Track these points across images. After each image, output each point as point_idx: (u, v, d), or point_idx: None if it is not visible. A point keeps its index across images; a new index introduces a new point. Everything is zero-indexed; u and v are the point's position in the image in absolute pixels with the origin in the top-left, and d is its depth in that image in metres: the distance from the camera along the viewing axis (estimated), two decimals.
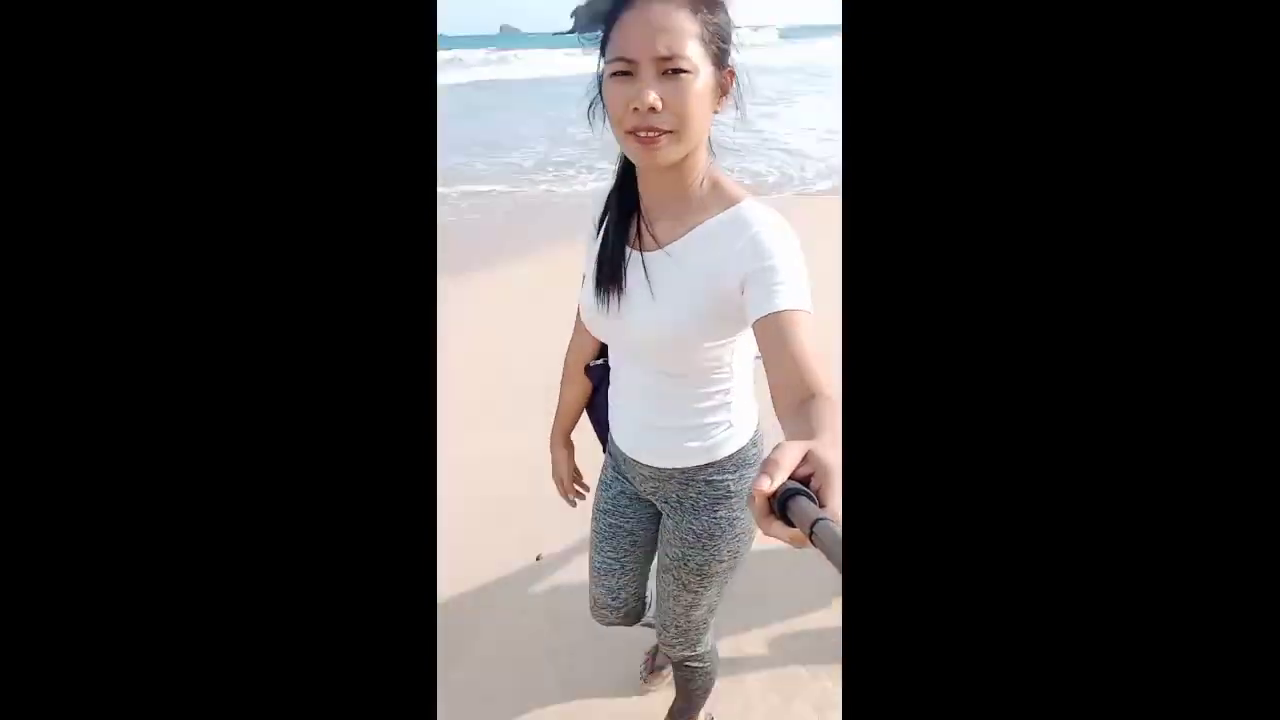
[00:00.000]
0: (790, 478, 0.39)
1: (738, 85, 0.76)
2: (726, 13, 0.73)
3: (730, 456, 0.94)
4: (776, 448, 0.41)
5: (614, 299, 0.84)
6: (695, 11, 0.69)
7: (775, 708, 1.38)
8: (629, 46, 0.68)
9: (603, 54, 0.73)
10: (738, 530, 0.97)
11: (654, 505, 1.05)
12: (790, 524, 0.37)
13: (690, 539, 0.97)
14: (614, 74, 0.70)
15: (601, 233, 0.88)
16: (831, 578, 1.63)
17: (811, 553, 0.37)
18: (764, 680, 1.44)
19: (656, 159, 0.72)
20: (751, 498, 0.39)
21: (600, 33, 0.73)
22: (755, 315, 0.69)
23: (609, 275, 0.84)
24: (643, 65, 0.68)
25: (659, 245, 0.81)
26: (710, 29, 0.71)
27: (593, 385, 1.11)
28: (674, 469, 0.95)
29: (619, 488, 1.07)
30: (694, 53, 0.69)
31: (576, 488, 1.16)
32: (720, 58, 0.72)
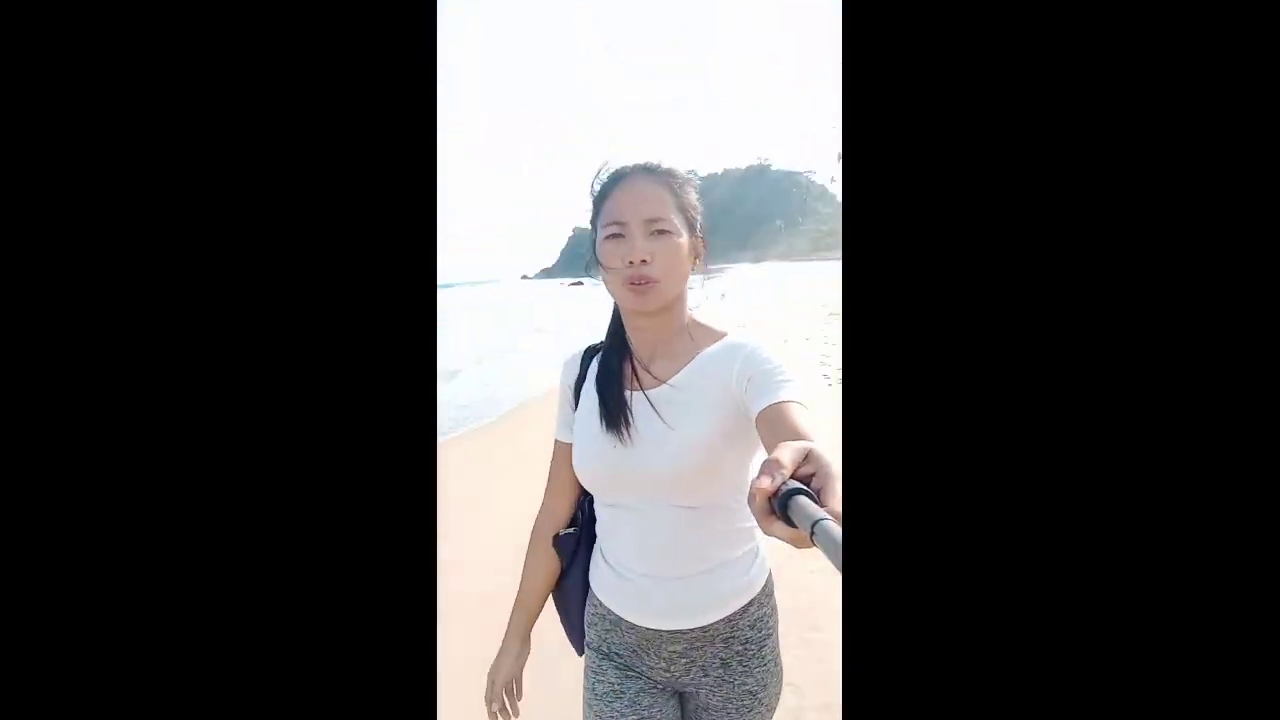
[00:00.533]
0: (791, 477, 0.39)
1: (706, 249, 0.91)
2: (695, 191, 0.89)
3: (765, 584, 0.90)
4: (778, 448, 0.41)
5: (625, 436, 0.85)
6: (671, 189, 0.85)
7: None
8: (622, 212, 0.83)
9: (595, 225, 0.87)
10: (778, 656, 0.91)
11: (676, 692, 0.92)
12: (791, 524, 0.37)
13: (746, 701, 0.89)
14: (608, 236, 0.83)
15: (595, 380, 0.92)
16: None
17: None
18: None
19: (648, 303, 0.83)
20: (752, 496, 0.39)
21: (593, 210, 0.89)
22: (758, 407, 0.75)
23: (616, 411, 0.87)
24: (633, 226, 0.82)
25: (659, 382, 0.87)
26: (683, 201, 0.86)
27: (562, 565, 0.98)
28: (716, 623, 0.86)
29: (635, 689, 0.90)
30: (674, 217, 0.84)
31: (508, 706, 0.98)
32: (692, 225, 0.87)
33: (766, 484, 0.39)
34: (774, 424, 0.72)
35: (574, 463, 0.92)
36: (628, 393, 0.88)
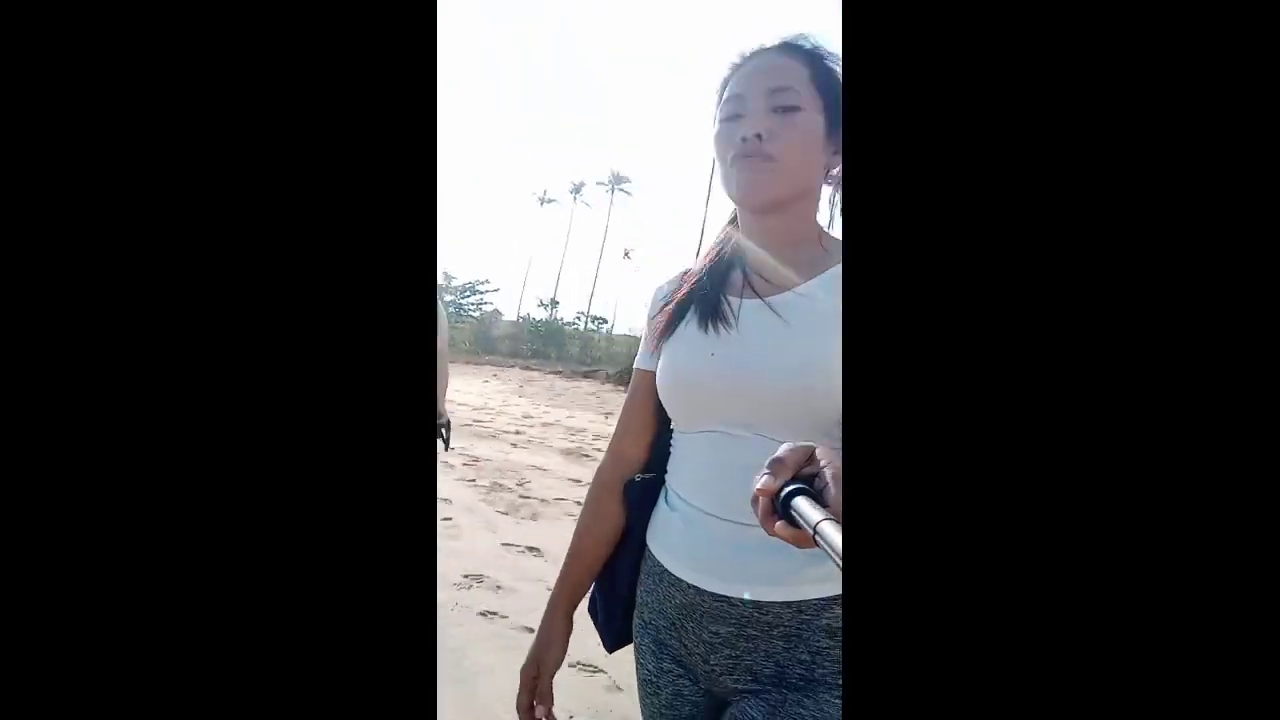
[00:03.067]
0: (794, 478, 0.39)
1: None
2: (838, 63, 0.71)
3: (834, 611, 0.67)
4: (781, 447, 0.41)
5: (729, 340, 0.68)
6: (809, 61, 0.70)
7: None
8: (739, 85, 0.69)
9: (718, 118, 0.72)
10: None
11: (719, 701, 0.70)
12: (794, 524, 0.37)
13: None
14: (725, 119, 0.70)
15: (694, 288, 0.75)
16: None
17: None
18: None
19: (763, 187, 0.68)
20: (755, 497, 0.39)
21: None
22: None
23: (716, 310, 0.71)
24: (752, 101, 0.68)
25: (779, 289, 0.70)
26: (824, 77, 0.69)
27: (625, 524, 0.77)
28: (782, 607, 0.64)
29: (671, 686, 0.71)
30: (804, 90, 0.68)
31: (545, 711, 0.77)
32: (832, 110, 0.69)
33: (769, 483, 0.39)
34: None
35: (658, 380, 0.73)
36: (734, 299, 0.72)
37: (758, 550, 0.62)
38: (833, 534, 0.34)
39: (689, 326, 0.72)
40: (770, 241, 0.72)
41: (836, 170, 0.72)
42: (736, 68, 0.71)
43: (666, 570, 0.71)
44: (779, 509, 0.38)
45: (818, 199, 0.73)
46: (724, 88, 0.72)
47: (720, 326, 0.70)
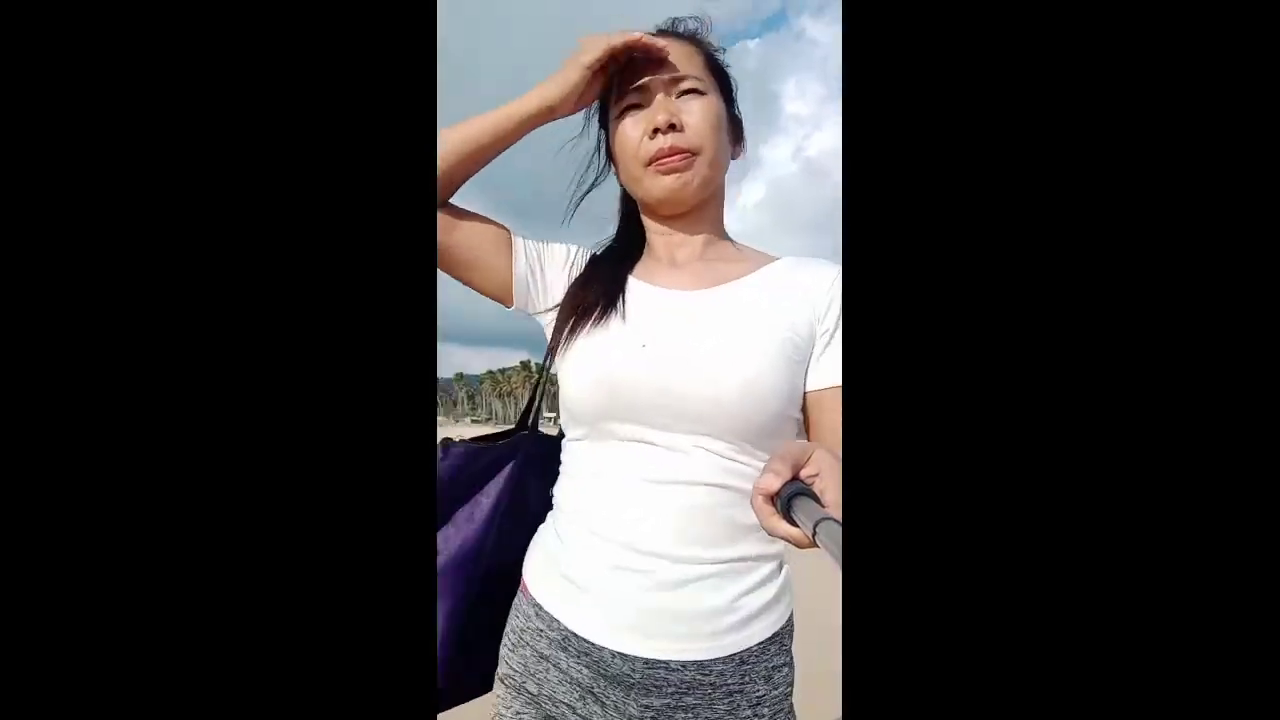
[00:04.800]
0: (794, 478, 0.39)
1: (744, 136, 0.70)
2: (723, 53, 0.69)
3: (790, 617, 0.62)
4: (784, 446, 0.41)
5: (663, 333, 0.61)
6: (698, 46, 0.68)
7: None
8: (638, 76, 0.64)
9: (605, 113, 0.69)
10: None
11: None
12: (794, 524, 0.37)
13: None
14: (624, 111, 0.65)
15: (611, 264, 0.69)
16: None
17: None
18: None
19: (687, 185, 0.63)
20: (755, 495, 0.39)
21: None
22: (826, 383, 0.59)
23: (644, 304, 0.63)
24: (654, 90, 0.64)
25: (704, 285, 0.65)
26: (714, 61, 0.68)
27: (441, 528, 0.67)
28: (734, 655, 0.56)
29: None
30: (705, 77, 0.65)
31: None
32: (727, 94, 0.68)
33: (771, 483, 0.39)
34: (828, 416, 0.58)
35: (568, 375, 0.63)
36: (661, 289, 0.66)
37: (700, 595, 0.55)
38: (833, 533, 0.34)
39: (609, 315, 0.63)
40: (684, 240, 0.68)
41: (736, 159, 0.70)
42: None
43: (571, 634, 0.57)
44: (779, 508, 0.38)
45: (724, 195, 0.70)
46: (614, 83, 0.66)
47: (650, 314, 0.62)
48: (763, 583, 0.59)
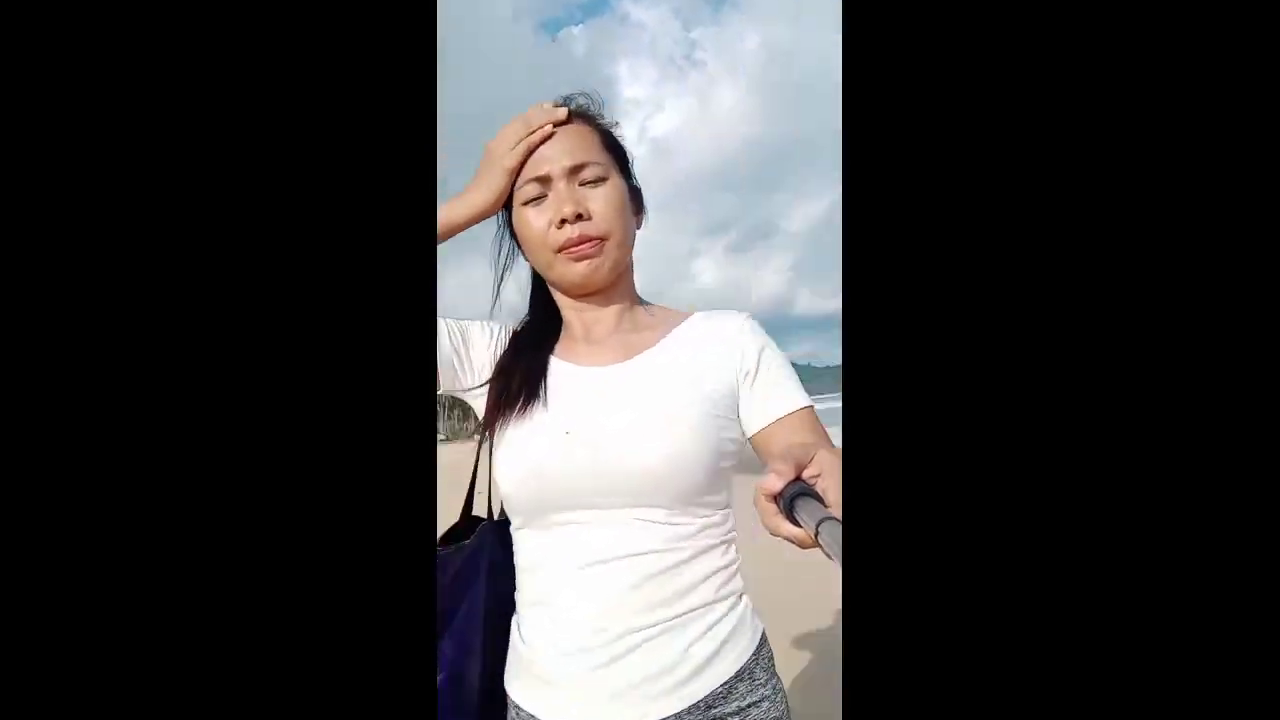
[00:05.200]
0: (796, 478, 0.39)
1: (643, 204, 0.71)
2: (618, 127, 0.70)
3: (760, 650, 0.64)
4: (785, 448, 0.41)
5: (583, 415, 0.63)
6: (591, 125, 0.68)
7: None
8: (537, 166, 0.64)
9: (506, 207, 0.68)
10: None
11: None
12: (797, 524, 0.37)
13: None
14: (526, 202, 0.65)
15: (521, 355, 0.69)
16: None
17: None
18: None
19: (598, 271, 0.65)
20: (758, 495, 0.39)
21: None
22: (772, 414, 0.61)
23: (534, 398, 0.64)
24: (556, 179, 0.64)
25: (620, 359, 0.67)
26: (609, 139, 0.69)
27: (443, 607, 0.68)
28: (699, 701, 0.59)
29: None
30: (604, 159, 0.66)
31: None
32: (625, 168, 0.69)
33: (773, 483, 0.39)
34: (794, 435, 0.59)
35: (500, 469, 0.65)
36: (580, 368, 0.67)
37: (652, 655, 0.58)
38: (835, 533, 0.34)
39: (532, 403, 0.65)
40: (597, 317, 0.69)
41: (638, 230, 0.71)
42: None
43: None
44: (782, 508, 0.38)
45: (632, 264, 0.71)
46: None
47: (569, 397, 0.64)
48: (711, 627, 0.61)
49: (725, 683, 0.60)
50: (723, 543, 0.64)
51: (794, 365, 0.67)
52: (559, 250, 0.64)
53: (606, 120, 0.70)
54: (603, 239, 0.64)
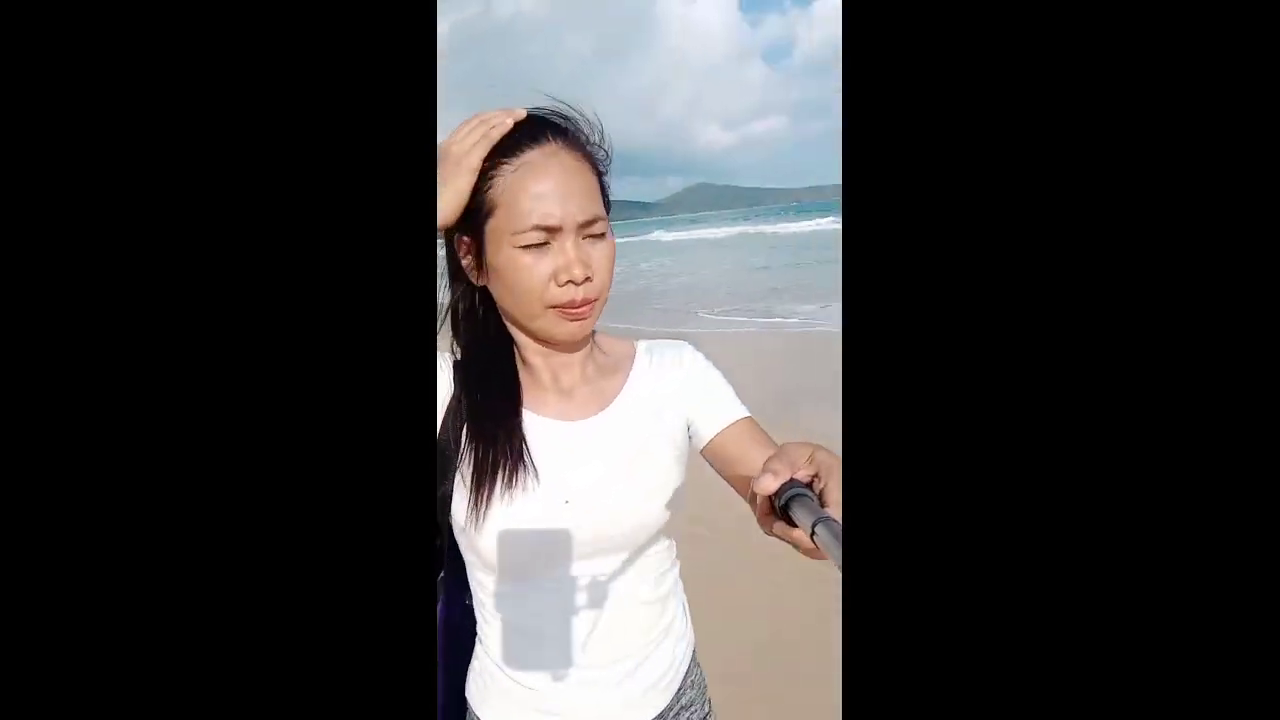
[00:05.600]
0: (792, 479, 0.39)
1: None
2: (607, 152, 0.65)
3: (693, 656, 0.75)
4: (782, 447, 0.41)
5: (573, 481, 0.63)
6: (594, 165, 0.63)
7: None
8: (550, 213, 0.58)
9: (472, 219, 0.60)
10: None
11: None
12: (792, 524, 0.37)
13: None
14: (525, 246, 0.58)
15: (483, 412, 0.65)
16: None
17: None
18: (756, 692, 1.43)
19: (582, 332, 0.63)
20: (753, 496, 0.39)
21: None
22: (713, 431, 0.64)
23: (521, 465, 0.63)
24: (566, 233, 0.58)
25: (588, 413, 0.67)
26: (604, 179, 0.64)
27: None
28: (662, 712, 0.69)
29: None
30: (604, 212, 0.62)
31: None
32: (608, 208, 0.64)
33: (769, 483, 0.39)
34: (741, 445, 0.63)
35: (485, 539, 0.62)
36: (558, 423, 0.66)
37: (647, 670, 0.67)
38: (831, 534, 0.34)
39: (520, 471, 0.62)
40: (559, 362, 0.67)
41: None
42: (511, 153, 0.60)
43: None
44: (777, 509, 0.38)
45: None
46: (498, 182, 0.59)
47: (562, 462, 0.63)
48: (683, 635, 0.73)
49: (674, 693, 0.70)
50: (670, 551, 0.72)
51: None
52: (554, 307, 0.60)
53: (601, 156, 0.65)
54: (597, 300, 0.62)
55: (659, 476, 0.65)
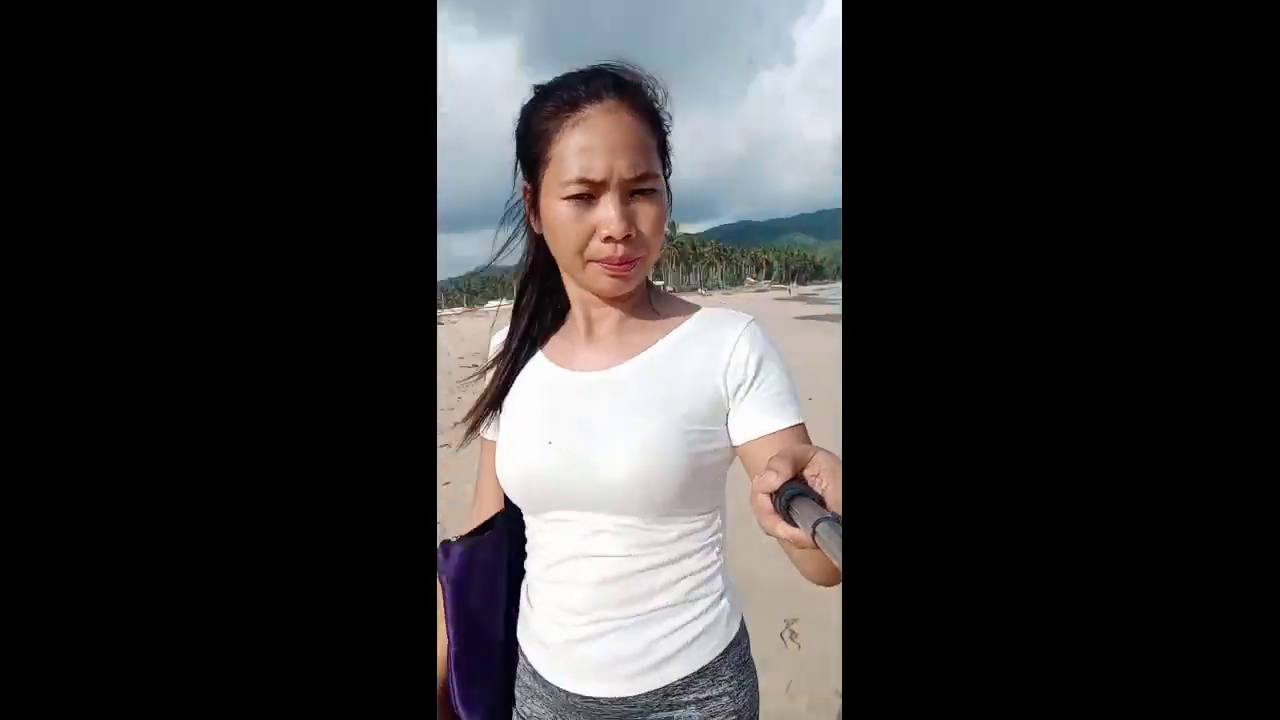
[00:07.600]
0: (794, 479, 0.39)
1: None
2: (670, 114, 0.65)
3: (732, 651, 0.68)
4: (783, 449, 0.41)
5: (565, 423, 0.65)
6: (652, 121, 0.62)
7: None
8: (593, 167, 0.58)
9: (533, 169, 0.62)
10: None
11: None
12: (793, 524, 0.37)
13: None
14: (571, 197, 0.59)
15: (518, 348, 0.71)
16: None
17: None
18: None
19: (624, 287, 0.63)
20: (755, 494, 0.39)
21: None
22: (756, 431, 0.60)
23: (549, 390, 0.67)
24: (611, 189, 0.59)
25: (614, 363, 0.67)
26: (663, 138, 0.64)
27: (451, 590, 0.70)
28: (657, 690, 0.64)
29: None
30: (655, 164, 0.61)
31: None
32: (665, 156, 0.64)
33: (770, 482, 0.39)
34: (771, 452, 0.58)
35: (498, 468, 0.69)
36: (569, 373, 0.68)
37: (617, 644, 0.64)
38: (832, 534, 0.34)
39: (522, 403, 0.68)
40: (606, 312, 0.68)
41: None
42: (568, 106, 0.60)
43: (536, 672, 0.70)
44: (779, 509, 0.38)
45: None
46: (552, 132, 0.60)
47: (555, 405, 0.66)
48: (677, 628, 0.65)
49: (685, 678, 0.65)
50: (703, 547, 0.67)
51: None
52: (594, 261, 0.61)
53: (665, 118, 0.64)
54: (645, 257, 0.62)
55: (653, 442, 0.61)
